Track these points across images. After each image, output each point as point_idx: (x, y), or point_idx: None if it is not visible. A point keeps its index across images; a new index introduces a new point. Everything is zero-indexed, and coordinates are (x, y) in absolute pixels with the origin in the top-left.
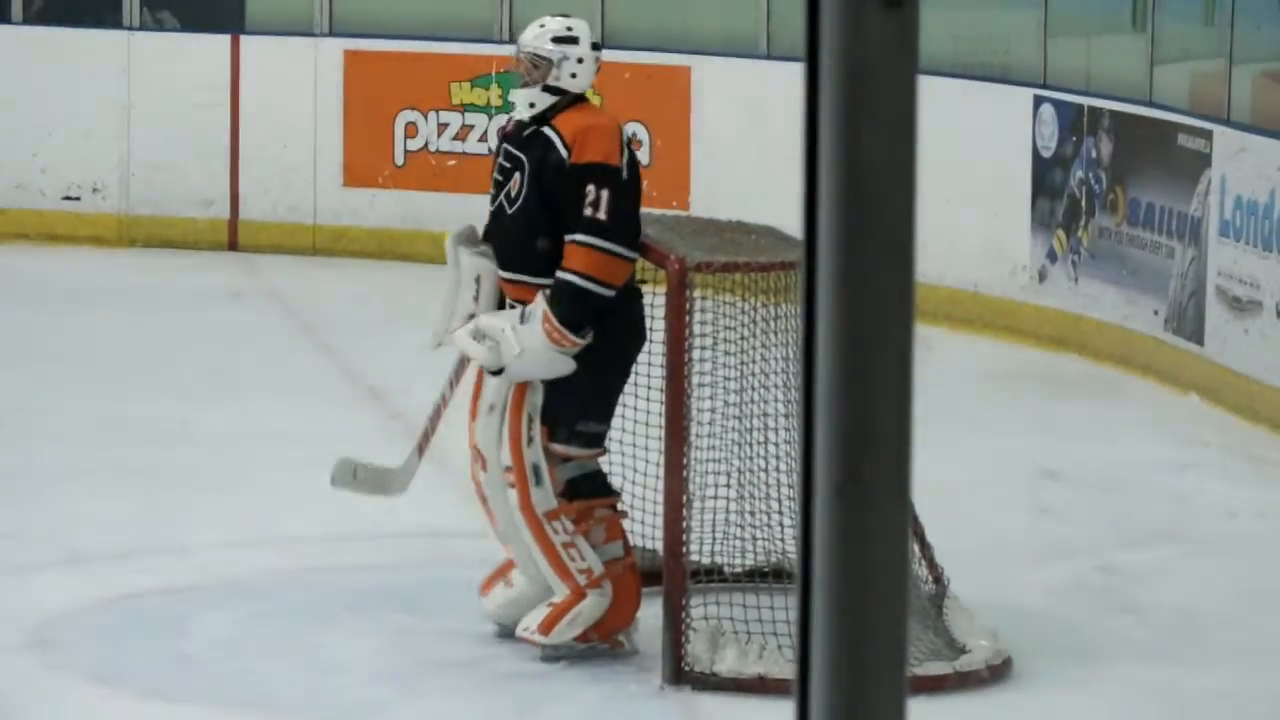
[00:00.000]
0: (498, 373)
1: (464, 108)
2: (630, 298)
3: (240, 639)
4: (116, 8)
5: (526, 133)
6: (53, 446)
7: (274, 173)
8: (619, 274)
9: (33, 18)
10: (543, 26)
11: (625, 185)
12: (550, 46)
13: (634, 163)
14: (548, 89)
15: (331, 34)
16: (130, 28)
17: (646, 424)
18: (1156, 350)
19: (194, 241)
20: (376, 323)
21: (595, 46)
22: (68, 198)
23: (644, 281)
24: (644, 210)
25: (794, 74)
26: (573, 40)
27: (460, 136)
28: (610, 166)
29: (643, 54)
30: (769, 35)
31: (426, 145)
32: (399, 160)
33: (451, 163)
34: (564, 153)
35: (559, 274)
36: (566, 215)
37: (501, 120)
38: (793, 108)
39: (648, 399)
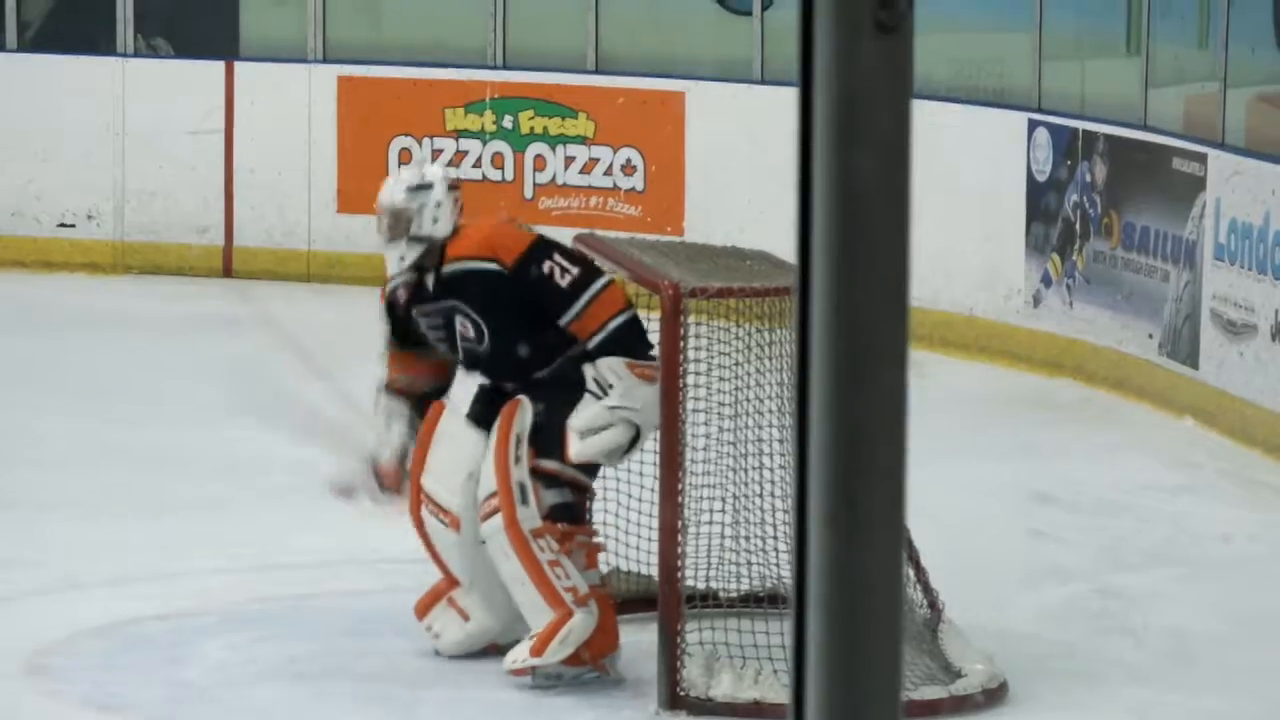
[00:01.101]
0: (633, 443)
1: (458, 134)
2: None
3: (238, 665)
4: (110, 35)
5: (432, 285)
6: (49, 473)
7: (268, 199)
8: (625, 298)
9: (27, 45)
10: (396, 181)
11: (563, 254)
12: (405, 197)
13: (540, 241)
14: (413, 239)
15: (325, 60)
16: (124, 55)
17: (641, 449)
18: (1151, 374)
19: (189, 268)
20: (371, 349)
21: (453, 186)
22: (63, 224)
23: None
24: (639, 236)
25: (788, 99)
26: (427, 187)
27: (454, 162)
28: (536, 241)
29: (637, 79)
30: (763, 60)
31: None
32: None
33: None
34: (494, 267)
35: (602, 333)
36: (543, 311)
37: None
38: (786, 133)
39: None
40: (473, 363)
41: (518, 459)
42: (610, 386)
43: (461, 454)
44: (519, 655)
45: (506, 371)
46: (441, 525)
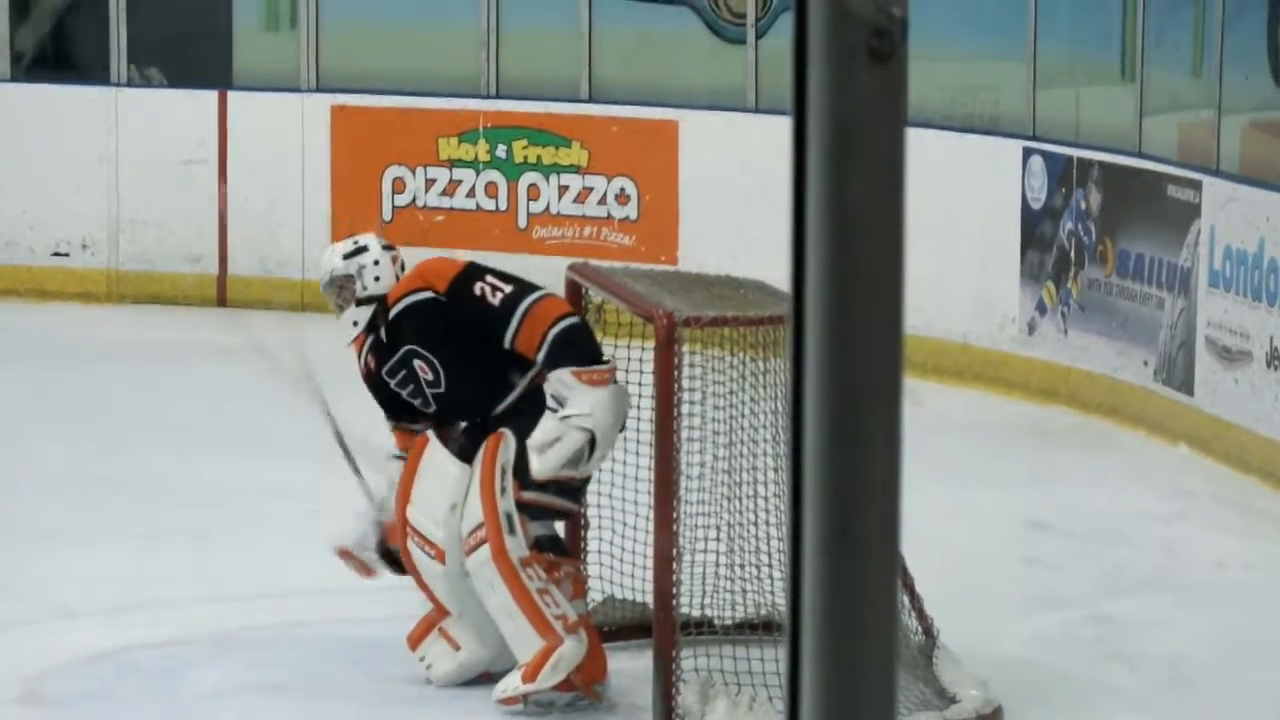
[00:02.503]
0: (592, 450)
1: (451, 163)
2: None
3: (232, 693)
4: (104, 64)
5: (386, 338)
6: (42, 502)
7: (262, 228)
8: (564, 306)
9: (20, 74)
10: (332, 252)
11: (483, 266)
12: (342, 264)
13: (469, 265)
14: (360, 301)
15: (318, 89)
16: (117, 84)
17: (636, 478)
18: (1146, 401)
19: (183, 297)
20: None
21: (387, 247)
22: (57, 254)
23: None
24: (633, 265)
25: (782, 127)
26: (361, 250)
27: (448, 192)
28: (466, 267)
29: (630, 108)
30: (757, 89)
31: (414, 200)
32: (387, 216)
33: (439, 218)
34: (428, 295)
35: (544, 347)
36: (483, 333)
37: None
38: (781, 161)
39: (637, 453)
40: (443, 408)
41: (503, 490)
42: (563, 400)
43: (445, 486)
44: (510, 684)
45: (474, 407)
46: (428, 557)
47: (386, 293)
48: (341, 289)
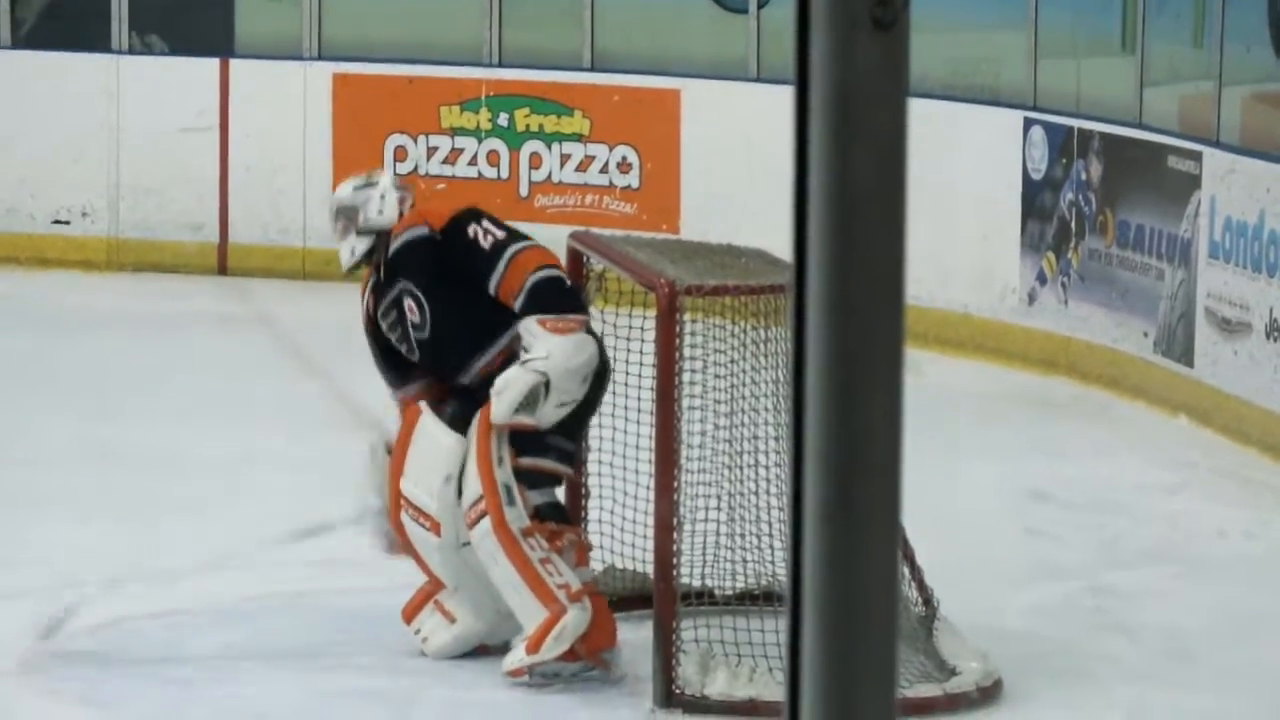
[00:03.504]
0: (548, 394)
1: (453, 131)
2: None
3: (232, 663)
4: (105, 32)
5: (383, 275)
6: (42, 471)
7: (263, 196)
8: (554, 258)
9: (21, 42)
10: (345, 183)
11: (481, 211)
12: (350, 195)
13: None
14: (361, 231)
15: (320, 58)
16: (119, 52)
17: (636, 447)
18: (1146, 372)
19: (183, 265)
20: (366, 347)
21: (400, 186)
22: (57, 222)
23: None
24: (634, 233)
25: (784, 97)
26: (373, 184)
27: (450, 160)
28: (466, 210)
29: (632, 77)
30: (758, 58)
31: (416, 169)
32: None
33: (441, 186)
34: (424, 232)
35: (520, 295)
36: (472, 275)
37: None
38: (782, 130)
39: (638, 422)
40: (426, 354)
41: (500, 460)
42: (528, 347)
43: (439, 457)
44: (515, 656)
45: (455, 353)
46: (423, 529)
47: (388, 228)
48: (347, 217)
